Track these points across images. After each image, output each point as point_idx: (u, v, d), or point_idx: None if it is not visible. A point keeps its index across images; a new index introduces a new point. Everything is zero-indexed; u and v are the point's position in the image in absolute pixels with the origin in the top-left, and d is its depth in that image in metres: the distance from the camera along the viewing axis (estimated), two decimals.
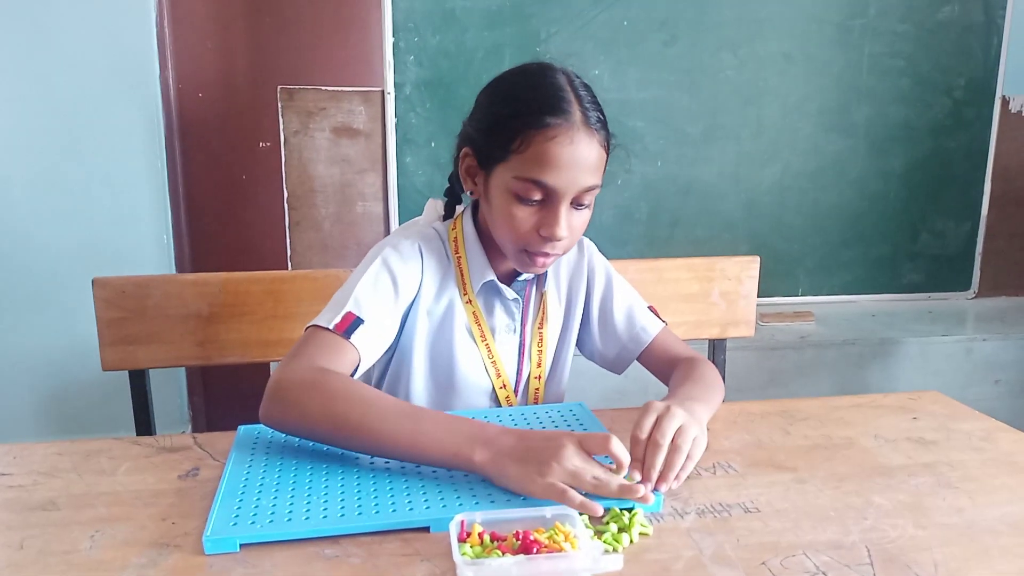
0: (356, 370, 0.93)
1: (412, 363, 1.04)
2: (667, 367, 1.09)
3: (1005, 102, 2.53)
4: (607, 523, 0.72)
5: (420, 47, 2.14)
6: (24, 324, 2.02)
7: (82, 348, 2.00)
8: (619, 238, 2.36)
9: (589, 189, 0.93)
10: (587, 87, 0.96)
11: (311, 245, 2.27)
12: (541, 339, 1.09)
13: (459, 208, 1.09)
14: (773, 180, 2.43)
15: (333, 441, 0.84)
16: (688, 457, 0.79)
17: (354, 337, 0.91)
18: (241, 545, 0.68)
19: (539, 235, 0.94)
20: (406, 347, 1.04)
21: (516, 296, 1.06)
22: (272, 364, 2.01)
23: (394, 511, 0.72)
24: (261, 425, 0.92)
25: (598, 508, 0.72)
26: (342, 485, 0.77)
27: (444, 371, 1.05)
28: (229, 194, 2.21)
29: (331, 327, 0.91)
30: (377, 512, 0.72)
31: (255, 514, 0.71)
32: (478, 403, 1.07)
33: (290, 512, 0.72)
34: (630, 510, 0.73)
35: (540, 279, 1.08)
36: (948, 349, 2.28)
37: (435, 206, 1.11)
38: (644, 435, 0.78)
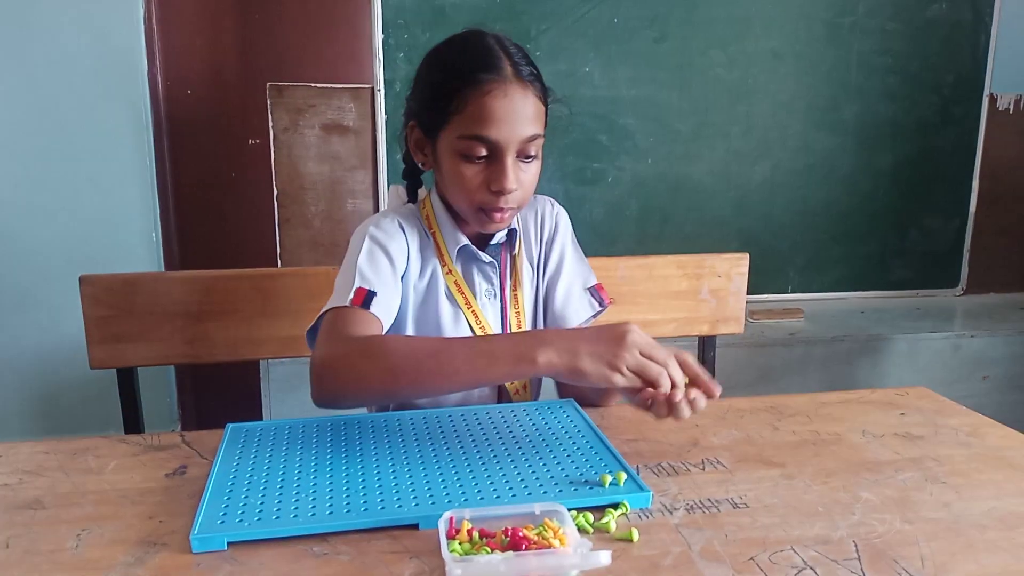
0: None
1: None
2: None
3: (993, 99, 2.55)
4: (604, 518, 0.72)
5: (410, 44, 2.13)
6: (11, 322, 2.00)
7: (70, 346, 1.99)
8: (609, 235, 2.36)
9: (531, 139, 0.96)
10: (518, 47, 0.99)
11: (301, 242, 2.26)
12: (517, 302, 1.10)
13: (421, 193, 1.12)
14: (763, 177, 2.43)
15: (395, 395, 0.87)
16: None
17: (372, 308, 0.94)
18: (229, 543, 0.67)
19: (490, 191, 0.96)
20: (398, 322, 1.05)
21: (492, 259, 1.07)
22: (261, 362, 2.01)
23: (383, 508, 0.72)
24: (249, 423, 0.92)
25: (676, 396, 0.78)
26: (330, 483, 0.77)
27: None
28: (218, 191, 2.21)
29: (348, 304, 0.93)
30: (366, 510, 0.72)
31: (243, 512, 0.71)
32: None
33: (278, 510, 0.71)
34: (615, 506, 0.73)
35: (511, 241, 1.09)
36: (936, 345, 2.29)
37: (397, 192, 1.13)
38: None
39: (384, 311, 0.96)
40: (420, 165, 1.07)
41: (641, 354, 0.78)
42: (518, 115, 0.94)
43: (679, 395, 0.78)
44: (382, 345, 0.87)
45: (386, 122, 2.18)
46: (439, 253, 1.06)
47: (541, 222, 1.14)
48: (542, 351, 0.80)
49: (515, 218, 1.08)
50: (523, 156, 0.97)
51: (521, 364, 0.80)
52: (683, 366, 0.81)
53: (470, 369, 0.82)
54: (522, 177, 0.98)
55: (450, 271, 1.06)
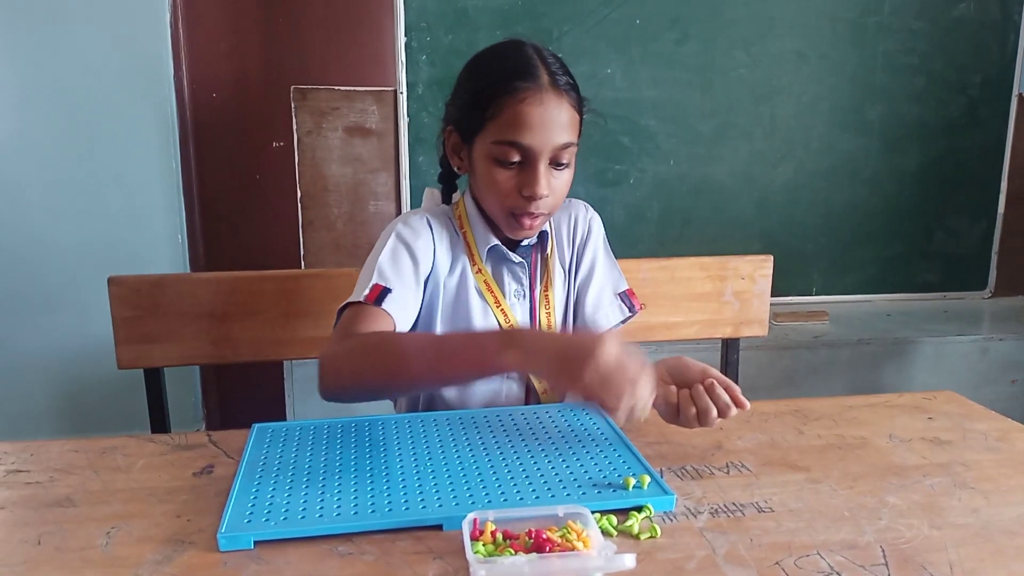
0: None
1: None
2: None
3: (1021, 99, 2.50)
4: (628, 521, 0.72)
5: (432, 46, 2.14)
6: (40, 323, 2.03)
7: (98, 347, 2.02)
8: (631, 237, 2.36)
9: (564, 147, 0.97)
10: (556, 57, 1.00)
11: (324, 244, 2.27)
12: (548, 302, 1.10)
13: (455, 196, 1.13)
14: (786, 179, 2.42)
15: (387, 389, 0.90)
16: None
17: (385, 304, 0.96)
18: (255, 542, 0.68)
19: (522, 196, 0.98)
20: (426, 319, 1.06)
21: (521, 260, 1.08)
22: (285, 363, 2.03)
23: (407, 509, 0.72)
24: (275, 423, 0.93)
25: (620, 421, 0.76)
26: (355, 483, 0.78)
27: None
28: (243, 194, 2.23)
29: (362, 299, 0.96)
30: (390, 510, 0.72)
31: (269, 511, 0.72)
32: None
33: (304, 510, 0.72)
34: (639, 509, 0.73)
35: (542, 243, 1.10)
36: (963, 349, 2.26)
37: (432, 194, 1.15)
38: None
39: (399, 308, 0.97)
40: (456, 169, 1.08)
41: (607, 371, 0.74)
42: (552, 123, 0.95)
43: (635, 414, 0.75)
44: (379, 341, 0.89)
45: (408, 124, 2.19)
46: (469, 252, 1.07)
47: (574, 225, 1.15)
48: (509, 351, 0.78)
49: (547, 222, 1.09)
50: (556, 163, 0.98)
51: (487, 365, 0.81)
52: (716, 378, 0.84)
53: (442, 366, 0.83)
54: (554, 184, 0.99)
55: (480, 270, 1.07)
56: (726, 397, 0.82)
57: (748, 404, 0.82)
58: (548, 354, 0.77)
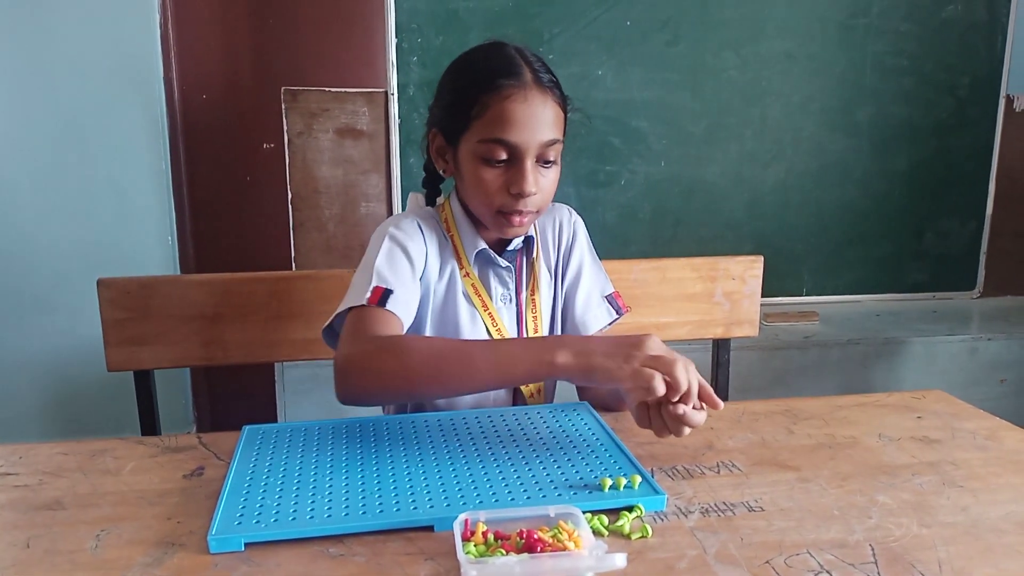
0: None
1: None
2: None
3: (1009, 101, 2.52)
4: (619, 521, 0.72)
5: (423, 48, 2.14)
6: (29, 325, 2.02)
7: (87, 349, 2.01)
8: (622, 238, 2.36)
9: (551, 144, 0.98)
10: (538, 57, 1.01)
11: (315, 246, 2.27)
12: (535, 306, 1.11)
13: (439, 200, 1.13)
14: (776, 180, 2.42)
15: (416, 393, 0.89)
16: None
17: (389, 305, 0.96)
18: (246, 544, 0.68)
19: (510, 194, 0.98)
20: (417, 322, 1.06)
21: (508, 264, 1.08)
22: (276, 365, 2.02)
23: (398, 510, 0.72)
24: (266, 425, 0.92)
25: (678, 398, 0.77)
26: (346, 484, 0.77)
27: None
28: (233, 195, 2.22)
29: (365, 302, 0.95)
30: (381, 511, 0.72)
31: (260, 513, 0.71)
32: None
33: (294, 511, 0.72)
34: (630, 509, 0.73)
35: (529, 247, 1.11)
36: (953, 349, 2.27)
37: (416, 199, 1.15)
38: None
39: (402, 308, 0.97)
40: (441, 172, 1.08)
41: (659, 352, 0.79)
42: (538, 119, 0.96)
43: (680, 408, 0.78)
44: (404, 344, 0.89)
45: (399, 126, 2.19)
46: (457, 256, 1.07)
47: (559, 229, 1.16)
48: (560, 352, 0.81)
49: (532, 224, 1.09)
50: (542, 161, 0.99)
51: (540, 365, 0.82)
52: (689, 389, 0.81)
53: (491, 369, 0.84)
54: (541, 181, 0.99)
55: (468, 274, 1.07)
56: (696, 418, 0.80)
57: (722, 404, 0.82)
58: (599, 349, 0.80)
